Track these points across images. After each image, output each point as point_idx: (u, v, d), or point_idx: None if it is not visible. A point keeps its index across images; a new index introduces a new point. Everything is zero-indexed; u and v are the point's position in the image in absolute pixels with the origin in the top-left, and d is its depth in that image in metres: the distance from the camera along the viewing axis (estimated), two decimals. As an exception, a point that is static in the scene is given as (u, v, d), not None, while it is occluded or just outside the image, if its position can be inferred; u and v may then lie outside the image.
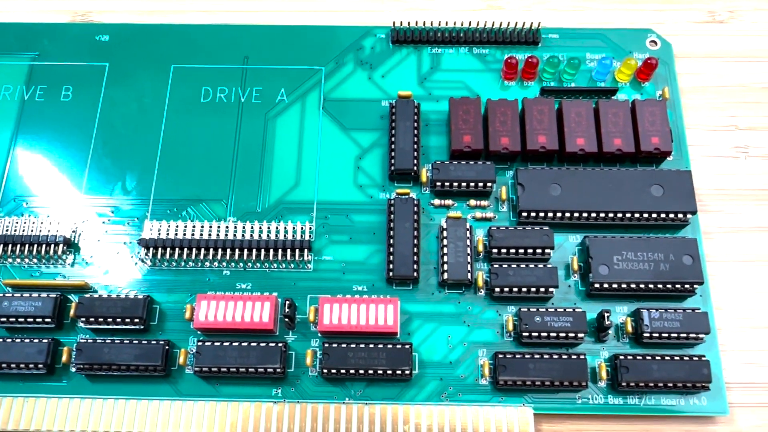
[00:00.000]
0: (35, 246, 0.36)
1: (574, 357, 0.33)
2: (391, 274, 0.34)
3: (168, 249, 0.35)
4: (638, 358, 0.33)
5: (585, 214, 0.35)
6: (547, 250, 0.35)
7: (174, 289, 0.35)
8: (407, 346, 0.33)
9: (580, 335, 0.33)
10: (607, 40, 0.40)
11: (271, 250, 0.35)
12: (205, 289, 0.35)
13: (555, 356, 0.33)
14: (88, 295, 0.34)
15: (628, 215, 0.35)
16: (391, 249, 0.35)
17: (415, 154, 0.37)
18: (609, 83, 0.39)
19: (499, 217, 0.37)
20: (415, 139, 0.37)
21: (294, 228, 0.36)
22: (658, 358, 0.33)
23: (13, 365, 0.33)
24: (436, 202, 0.37)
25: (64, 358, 0.34)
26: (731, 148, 0.39)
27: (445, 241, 0.35)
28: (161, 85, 0.40)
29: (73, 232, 0.36)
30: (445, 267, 0.34)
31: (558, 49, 0.40)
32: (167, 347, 0.33)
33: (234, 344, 0.33)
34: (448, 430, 0.33)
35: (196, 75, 0.40)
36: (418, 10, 0.43)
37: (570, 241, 0.36)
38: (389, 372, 0.33)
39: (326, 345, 0.33)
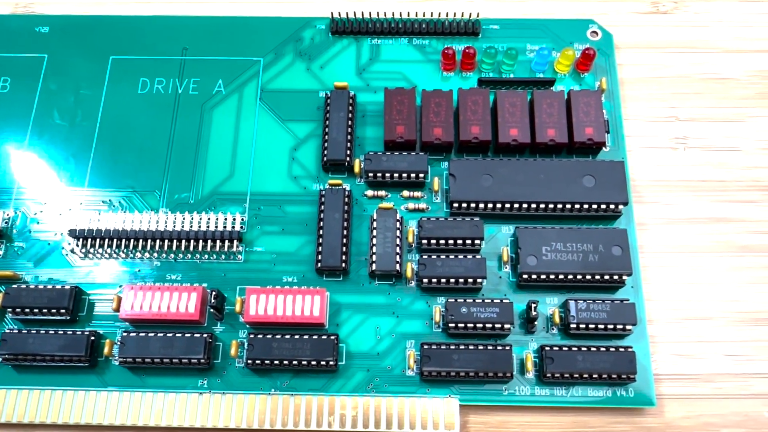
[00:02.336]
0: (-35, 237, 0.36)
1: (499, 348, 0.33)
2: (319, 264, 0.34)
3: (98, 240, 0.35)
4: (564, 349, 0.33)
5: (516, 205, 0.35)
6: (477, 241, 0.35)
7: (104, 279, 0.35)
8: (332, 337, 0.33)
9: (507, 326, 0.33)
10: (547, 30, 0.40)
11: (201, 241, 0.35)
12: (134, 280, 0.35)
13: (480, 347, 0.33)
14: (15, 286, 0.34)
15: (560, 206, 0.35)
16: (320, 240, 0.35)
17: (349, 144, 0.37)
18: (549, 74, 0.39)
19: (432, 209, 0.36)
20: (349, 129, 0.37)
21: (225, 219, 0.36)
22: (584, 349, 0.33)
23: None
24: (369, 193, 0.36)
25: (-10, 348, 0.34)
26: (670, 139, 0.39)
27: (374, 232, 0.35)
28: (99, 76, 0.39)
29: (5, 222, 0.36)
30: (374, 258, 0.34)
31: (498, 40, 0.40)
32: (92, 338, 0.33)
33: (158, 335, 0.33)
34: (373, 421, 0.33)
35: (135, 66, 0.40)
36: (359, 0, 0.42)
37: (503, 232, 0.36)
38: (314, 363, 0.33)
39: (252, 336, 0.33)
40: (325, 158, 0.36)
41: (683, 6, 0.42)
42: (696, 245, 0.36)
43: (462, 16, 0.40)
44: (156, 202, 0.37)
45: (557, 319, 0.34)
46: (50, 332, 0.33)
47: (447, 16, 0.40)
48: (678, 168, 0.38)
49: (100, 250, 0.35)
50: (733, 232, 0.37)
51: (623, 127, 0.38)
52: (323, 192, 0.36)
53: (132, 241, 0.35)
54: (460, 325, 0.33)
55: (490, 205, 0.35)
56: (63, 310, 0.34)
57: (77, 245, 0.35)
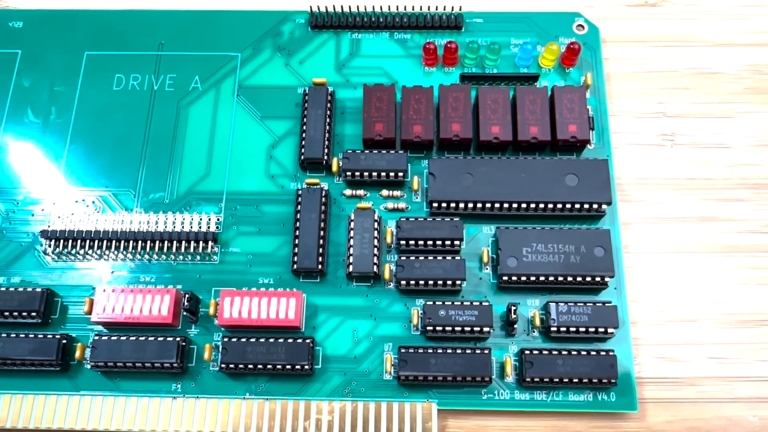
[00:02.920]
0: (-64, 238, 0.35)
1: (477, 352, 0.32)
2: (295, 266, 0.34)
3: (71, 241, 0.35)
4: (544, 352, 0.32)
5: (497, 205, 0.34)
6: (456, 242, 0.34)
7: (77, 281, 0.35)
8: (308, 341, 0.32)
9: (486, 330, 0.32)
10: (532, 24, 0.39)
11: (175, 242, 0.35)
12: (108, 282, 0.34)
13: (458, 351, 0.32)
14: (-15, 288, 0.34)
15: (542, 206, 0.34)
16: (297, 241, 0.34)
17: (327, 143, 0.36)
18: (533, 69, 0.38)
19: (412, 208, 0.36)
20: (327, 127, 0.36)
21: (200, 219, 0.35)
22: (564, 353, 0.32)
23: None
24: (348, 192, 0.36)
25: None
26: (657, 136, 0.38)
27: (351, 233, 0.34)
28: (74, 72, 0.39)
29: (-23, 223, 0.36)
30: (351, 259, 0.34)
31: (482, 34, 0.39)
32: (64, 342, 0.33)
33: (130, 338, 0.33)
34: (349, 426, 0.32)
35: (110, 62, 0.39)
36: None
37: (484, 232, 0.35)
38: (289, 367, 0.32)
39: (225, 340, 0.32)
40: (302, 157, 0.36)
41: (672, -2, 0.41)
42: (682, 245, 0.36)
43: (444, 9, 0.39)
44: (131, 202, 0.36)
45: (538, 322, 0.33)
46: (21, 336, 0.33)
47: (429, 9, 0.39)
48: (664, 166, 0.37)
49: (74, 252, 0.35)
50: (719, 232, 0.36)
51: (609, 124, 0.37)
52: (300, 192, 0.35)
53: (105, 242, 0.35)
54: (438, 328, 0.32)
55: (470, 205, 0.34)
56: (34, 314, 0.33)
57: (50, 246, 0.35)
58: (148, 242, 0.35)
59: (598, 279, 0.33)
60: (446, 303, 0.33)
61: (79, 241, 0.35)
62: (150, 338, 0.32)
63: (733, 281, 0.35)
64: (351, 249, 0.34)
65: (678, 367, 0.33)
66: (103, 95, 0.38)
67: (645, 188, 0.37)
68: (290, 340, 0.32)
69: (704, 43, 0.40)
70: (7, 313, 0.33)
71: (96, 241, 0.35)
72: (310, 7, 0.39)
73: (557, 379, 0.32)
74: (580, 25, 0.39)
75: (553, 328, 0.32)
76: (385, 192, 0.36)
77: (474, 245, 0.35)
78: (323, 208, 0.35)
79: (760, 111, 0.38)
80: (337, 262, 0.35)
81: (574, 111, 0.36)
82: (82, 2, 0.41)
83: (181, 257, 0.35)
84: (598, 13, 0.40)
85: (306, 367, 0.32)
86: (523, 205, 0.34)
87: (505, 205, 0.34)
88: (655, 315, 0.34)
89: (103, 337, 0.33)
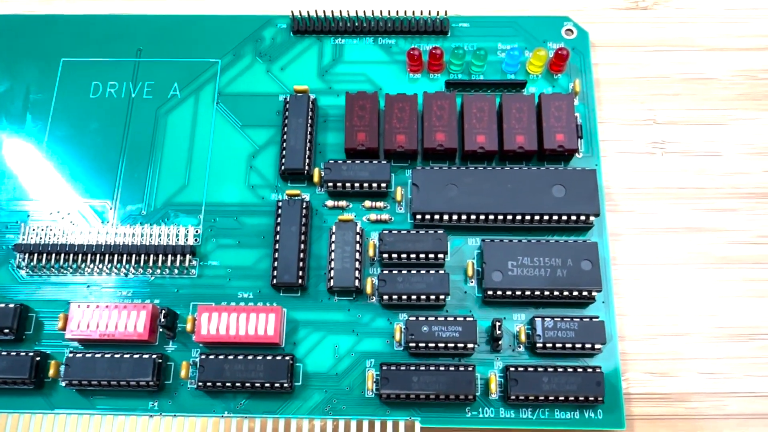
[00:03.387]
0: None
1: (461, 369, 0.31)
2: (274, 281, 0.33)
3: (45, 255, 0.34)
4: (530, 369, 0.31)
5: (482, 217, 0.33)
6: (440, 255, 0.33)
7: (52, 296, 0.34)
8: (287, 358, 0.32)
9: (470, 346, 0.32)
10: (520, 29, 0.38)
11: (152, 256, 0.34)
12: (84, 297, 0.34)
13: (441, 368, 0.31)
14: (-43, 304, 0.33)
15: (528, 217, 0.33)
16: (276, 254, 0.33)
17: (308, 152, 0.35)
18: (521, 75, 0.37)
19: (396, 219, 0.35)
20: (309, 137, 0.35)
21: (178, 232, 0.34)
22: (550, 369, 0.31)
23: None
24: (330, 203, 0.35)
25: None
26: (648, 144, 0.37)
27: (333, 246, 0.33)
28: (50, 79, 0.38)
29: (-50, 236, 0.35)
30: (332, 273, 0.33)
31: (468, 39, 0.38)
32: (38, 359, 0.32)
33: (105, 356, 0.32)
34: (330, 445, 0.31)
35: (87, 69, 0.38)
36: (324, -2, 0.41)
37: (469, 244, 0.34)
38: (267, 385, 0.31)
39: (203, 357, 0.32)
40: (282, 167, 0.35)
41: (664, 1, 0.40)
42: (672, 257, 0.35)
43: (430, 13, 0.38)
44: (107, 214, 0.35)
45: (523, 338, 0.32)
46: (-7, 353, 0.32)
47: (414, 14, 0.38)
48: (655, 174, 0.36)
49: (48, 266, 0.34)
50: (711, 243, 0.35)
51: (598, 131, 0.36)
52: (280, 203, 0.34)
53: (81, 255, 0.34)
54: (421, 344, 0.32)
55: (455, 217, 0.33)
56: (7, 330, 0.32)
57: (24, 260, 0.34)
58: (125, 256, 0.34)
59: (585, 293, 0.32)
60: (429, 318, 0.32)
61: (54, 255, 0.34)
62: (126, 356, 0.32)
63: (724, 294, 0.34)
64: (332, 263, 0.33)
65: (667, 383, 0.33)
66: (80, 103, 0.37)
67: (635, 198, 0.36)
68: (269, 358, 0.31)
69: (696, 47, 0.39)
70: (-21, 330, 0.32)
71: (71, 255, 0.34)
72: (292, 12, 0.38)
73: (543, 397, 0.31)
74: (569, 30, 0.38)
75: (538, 344, 0.31)
76: (367, 203, 0.35)
77: (459, 257, 0.34)
78: (304, 220, 0.34)
79: (753, 118, 0.37)
80: (318, 276, 0.34)
81: (561, 119, 0.35)
82: (59, 7, 0.40)
83: (158, 271, 0.34)
84: (588, 17, 0.39)
85: (285, 385, 0.31)
86: (509, 217, 0.33)
87: (491, 217, 0.33)
88: (644, 329, 0.34)
89: (78, 355, 0.32)
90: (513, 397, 0.31)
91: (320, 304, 0.33)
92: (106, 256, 0.34)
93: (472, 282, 0.34)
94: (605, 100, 0.38)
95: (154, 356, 0.32)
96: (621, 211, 0.36)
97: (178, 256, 0.34)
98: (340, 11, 0.38)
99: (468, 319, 0.32)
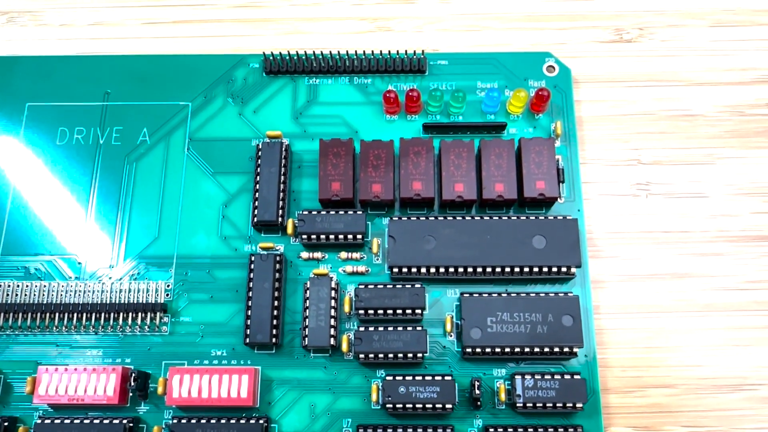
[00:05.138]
0: None
1: (439, 430, 0.31)
2: (247, 340, 0.32)
3: (12, 314, 0.33)
4: (509, 430, 0.31)
5: (461, 269, 0.33)
6: (418, 311, 0.32)
7: (20, 356, 0.33)
8: (261, 421, 0.31)
9: (449, 406, 0.31)
10: (500, 66, 0.37)
11: (122, 313, 0.33)
12: (52, 358, 0.33)
13: (419, 429, 0.30)
14: None
15: (508, 269, 0.33)
16: (249, 312, 0.32)
17: (281, 203, 0.34)
18: (501, 115, 0.36)
19: (373, 270, 0.34)
20: (282, 186, 0.34)
21: (149, 287, 0.33)
22: (530, 430, 0.31)
23: None
24: (305, 254, 0.34)
25: None
26: (632, 186, 0.36)
27: (307, 302, 0.32)
28: (14, 126, 0.36)
29: None
30: (306, 331, 0.32)
31: (447, 77, 0.37)
32: (5, 424, 0.31)
33: (75, 422, 0.31)
34: None
35: (53, 114, 0.36)
36: (297, 34, 0.39)
37: (448, 296, 0.33)
38: (241, 450, 0.31)
39: (174, 422, 0.31)
40: (255, 219, 0.34)
41: (649, 33, 0.38)
42: (656, 304, 0.34)
43: (407, 52, 0.36)
44: (75, 269, 0.34)
45: (503, 396, 0.31)
46: (-41, 421, 0.31)
47: (390, 52, 0.37)
48: (639, 218, 0.35)
49: (15, 325, 0.33)
50: (696, 289, 0.34)
51: (580, 173, 0.35)
52: (253, 258, 0.33)
53: (49, 314, 0.33)
54: (398, 405, 0.31)
55: (432, 270, 0.33)
56: (-27, 396, 0.32)
57: (-9, 319, 0.33)
58: (94, 314, 0.33)
59: (566, 349, 0.31)
60: (407, 378, 0.31)
61: (20, 314, 0.33)
62: (96, 420, 0.31)
63: (707, 343, 0.33)
64: (307, 320, 0.32)
65: (651, 438, 0.32)
66: (46, 150, 0.36)
67: (618, 243, 0.35)
68: (242, 421, 0.31)
69: (682, 81, 0.37)
70: (-56, 396, 0.32)
71: (39, 314, 0.33)
72: (264, 54, 0.37)
73: (523, 459, 0.30)
74: (550, 66, 0.37)
75: (518, 404, 0.31)
76: (343, 254, 0.34)
77: (437, 309, 0.33)
78: (278, 275, 0.33)
79: (740, 156, 0.36)
80: (294, 331, 0.33)
81: (542, 165, 0.34)
82: (22, 48, 0.39)
83: (129, 329, 0.33)
84: (570, 51, 0.38)
85: (259, 450, 0.30)
86: (489, 269, 0.33)
87: (470, 269, 0.33)
88: (628, 381, 0.33)
89: (47, 420, 0.31)
90: (493, 459, 0.30)
91: (295, 361, 0.33)
92: (74, 315, 0.33)
93: (451, 336, 0.33)
94: (588, 140, 0.36)
95: (124, 421, 0.31)
96: (604, 257, 0.35)
97: (149, 313, 0.33)
98: (314, 51, 0.37)
99: (446, 378, 0.31)
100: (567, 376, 0.31)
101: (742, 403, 0.33)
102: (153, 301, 0.33)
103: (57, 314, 0.33)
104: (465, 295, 0.32)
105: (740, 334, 0.33)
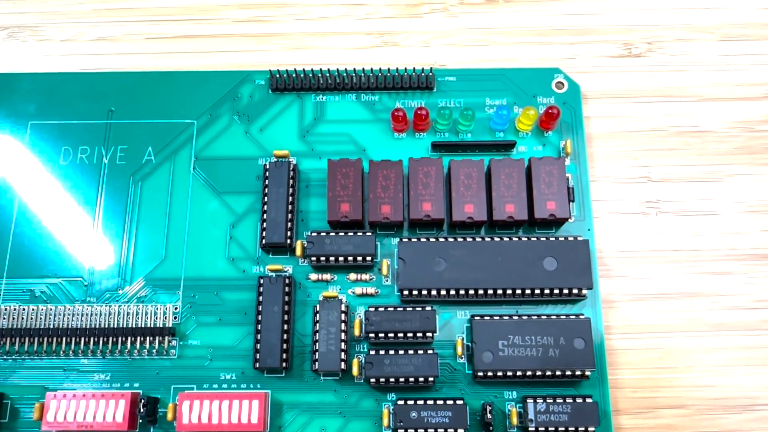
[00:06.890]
0: None
1: (452, 456, 0.30)
2: (257, 364, 0.32)
3: (18, 338, 0.33)
4: (522, 455, 0.31)
5: (472, 291, 0.32)
6: (429, 334, 0.32)
7: (28, 381, 0.33)
8: (272, 448, 0.31)
9: (461, 431, 0.31)
10: (508, 82, 0.37)
11: (130, 338, 0.33)
12: (60, 382, 0.32)
13: (432, 455, 0.30)
14: (-72, 396, 0.32)
15: (519, 291, 0.32)
16: (258, 336, 0.32)
17: (289, 224, 0.34)
18: (510, 133, 0.36)
19: (383, 292, 0.33)
20: (290, 207, 0.34)
21: (156, 310, 0.33)
22: (543, 455, 0.31)
23: None
24: (314, 276, 0.34)
25: None
26: (642, 204, 0.36)
27: (317, 326, 0.32)
28: (17, 145, 0.36)
29: None
30: (317, 356, 0.32)
31: (455, 94, 0.36)
32: (14, 452, 0.31)
33: (84, 450, 0.31)
34: None
35: (56, 132, 0.36)
36: (303, 49, 0.38)
37: (458, 317, 0.33)
38: (252, 476, 0.30)
39: (185, 448, 0.31)
40: (263, 240, 0.33)
41: (658, 47, 0.38)
42: (666, 324, 0.34)
43: (414, 69, 0.36)
44: (81, 292, 0.34)
45: (515, 420, 0.31)
46: (-33, 449, 0.31)
47: (398, 69, 0.36)
48: (649, 236, 0.35)
49: (21, 350, 0.33)
50: (706, 309, 0.34)
51: (590, 192, 0.35)
52: (261, 281, 0.33)
53: (56, 339, 0.32)
54: (410, 430, 0.31)
55: (443, 292, 0.32)
56: (-19, 423, 0.31)
57: (-3, 343, 0.33)
58: (102, 338, 0.32)
59: (578, 372, 0.31)
60: (418, 402, 0.31)
61: (27, 339, 0.33)
62: (105, 448, 0.31)
63: (718, 363, 0.33)
64: (317, 344, 0.32)
65: (662, 460, 0.32)
66: (50, 170, 0.35)
67: (628, 262, 0.35)
68: (254, 448, 0.31)
69: (691, 97, 0.37)
70: (-49, 424, 0.31)
71: (45, 338, 0.33)
72: (270, 71, 0.36)
73: (536, 483, 0.30)
74: (559, 83, 0.37)
75: (530, 429, 0.31)
76: (353, 275, 0.34)
77: (448, 331, 0.33)
78: (287, 298, 0.32)
79: (750, 173, 0.36)
80: (303, 354, 0.33)
81: (552, 185, 0.34)
82: (23, 65, 0.38)
83: (137, 353, 0.33)
84: (579, 66, 0.38)
85: (271, 476, 0.30)
86: (500, 291, 0.32)
87: (480, 291, 0.32)
88: (639, 401, 0.33)
89: (55, 448, 0.31)
90: (505, 484, 0.30)
91: (305, 384, 0.32)
92: (82, 339, 0.32)
93: (461, 358, 0.33)
94: (598, 157, 0.36)
95: (134, 448, 0.31)
96: (614, 277, 0.34)
97: (157, 337, 0.33)
98: (320, 67, 0.36)
99: (458, 402, 0.31)
100: (579, 400, 0.31)
101: (754, 423, 0.33)
102: (161, 325, 0.33)
103: (64, 338, 0.32)
104: (476, 317, 0.32)
105: (751, 354, 0.33)
